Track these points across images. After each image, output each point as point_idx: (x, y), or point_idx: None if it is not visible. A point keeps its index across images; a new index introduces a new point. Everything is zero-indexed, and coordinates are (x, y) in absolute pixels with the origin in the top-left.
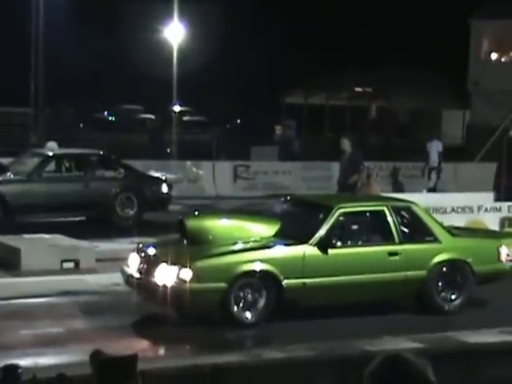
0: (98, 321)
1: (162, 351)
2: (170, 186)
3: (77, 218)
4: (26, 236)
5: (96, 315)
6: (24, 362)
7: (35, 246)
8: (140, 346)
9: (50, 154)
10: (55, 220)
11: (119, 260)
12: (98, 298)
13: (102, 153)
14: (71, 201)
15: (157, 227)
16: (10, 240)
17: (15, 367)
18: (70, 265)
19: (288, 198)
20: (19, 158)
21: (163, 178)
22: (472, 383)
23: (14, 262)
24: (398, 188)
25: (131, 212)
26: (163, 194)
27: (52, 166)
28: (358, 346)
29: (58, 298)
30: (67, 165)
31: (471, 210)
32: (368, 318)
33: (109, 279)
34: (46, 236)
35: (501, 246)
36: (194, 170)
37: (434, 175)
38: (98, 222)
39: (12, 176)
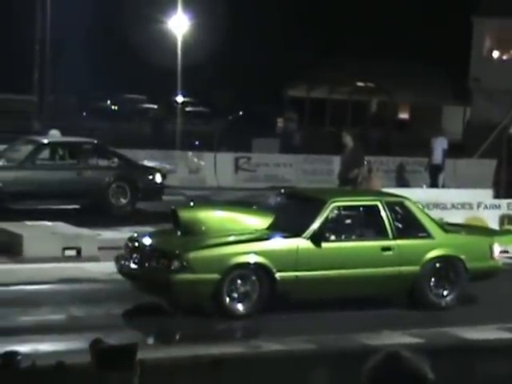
0: (99, 309)
1: (161, 341)
2: (163, 176)
3: (69, 206)
4: (29, 223)
5: (97, 303)
6: (24, 348)
7: (38, 233)
8: (140, 334)
9: (45, 141)
10: (47, 207)
11: (121, 248)
12: (99, 286)
13: (96, 142)
14: (64, 189)
15: (159, 217)
16: (13, 226)
17: (15, 354)
18: (72, 252)
19: (283, 190)
20: (13, 145)
21: (157, 167)
22: (469, 379)
23: (16, 249)
24: (403, 183)
25: (124, 201)
26: (156, 183)
27: (46, 153)
28: (357, 340)
29: (59, 286)
30: (61, 153)
31: (470, 206)
32: (359, 313)
33: (110, 267)
34: (49, 223)
35: (494, 243)
36: (196, 160)
37: (440, 176)
38: (92, 210)
39: (5, 163)
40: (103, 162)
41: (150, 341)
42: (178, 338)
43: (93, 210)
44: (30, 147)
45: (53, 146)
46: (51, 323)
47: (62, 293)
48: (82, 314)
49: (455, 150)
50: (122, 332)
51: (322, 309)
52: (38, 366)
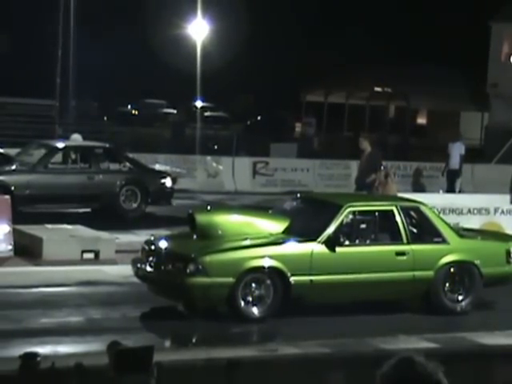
0: (116, 311)
1: (177, 343)
2: (174, 180)
3: (80, 210)
4: (49, 226)
5: (114, 306)
6: (43, 349)
7: (57, 236)
8: (156, 337)
9: (57, 145)
10: (58, 211)
11: (138, 252)
12: (116, 288)
13: (107, 146)
14: (75, 192)
15: (173, 220)
16: (33, 229)
17: (34, 355)
18: (91, 255)
19: (298, 195)
20: (26, 149)
21: (168, 171)
22: None
23: (35, 251)
24: (420, 188)
25: (134, 205)
26: (167, 188)
27: (58, 157)
28: (372, 344)
29: (77, 288)
30: (73, 157)
31: (487, 211)
32: (375, 317)
33: (128, 270)
34: (68, 226)
35: (509, 248)
36: (214, 165)
37: (458, 182)
38: (103, 213)
39: (18, 167)
40: (114, 166)
41: (167, 343)
42: (193, 340)
43: (104, 214)
44: (42, 151)
45: (65, 150)
46: (70, 325)
47: (80, 295)
48: (99, 317)
49: (473, 155)
50: (138, 334)
51: (337, 313)
52: (57, 368)
